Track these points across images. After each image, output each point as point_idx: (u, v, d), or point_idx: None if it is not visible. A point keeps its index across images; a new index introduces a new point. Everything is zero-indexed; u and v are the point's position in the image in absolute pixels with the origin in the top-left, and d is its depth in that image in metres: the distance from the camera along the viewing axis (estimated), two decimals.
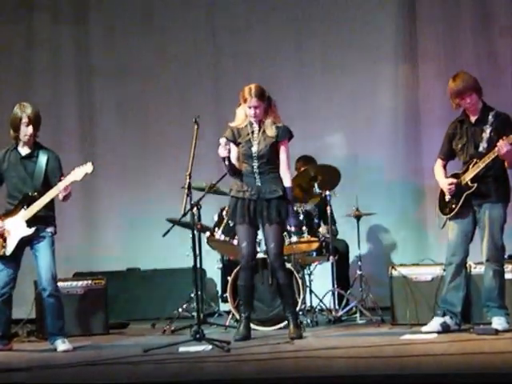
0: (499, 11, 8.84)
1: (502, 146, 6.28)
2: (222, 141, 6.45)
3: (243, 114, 6.65)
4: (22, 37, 9.75)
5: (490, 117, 6.51)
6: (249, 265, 6.63)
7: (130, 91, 9.64)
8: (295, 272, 7.32)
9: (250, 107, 6.57)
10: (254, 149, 6.59)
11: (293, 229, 6.82)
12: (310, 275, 7.74)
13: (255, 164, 6.59)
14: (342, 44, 9.23)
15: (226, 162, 6.49)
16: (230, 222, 7.08)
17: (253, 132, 6.64)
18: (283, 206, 6.55)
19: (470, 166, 6.48)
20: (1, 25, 9.72)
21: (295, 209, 7.37)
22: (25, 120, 6.53)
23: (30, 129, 6.56)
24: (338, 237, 8.18)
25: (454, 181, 6.55)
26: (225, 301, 7.69)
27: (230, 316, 7.52)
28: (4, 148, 6.72)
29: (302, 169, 7.90)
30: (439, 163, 6.78)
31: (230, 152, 6.49)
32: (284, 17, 9.40)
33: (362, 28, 9.17)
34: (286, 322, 6.74)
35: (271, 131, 6.60)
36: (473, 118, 6.58)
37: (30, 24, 9.76)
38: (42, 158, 6.61)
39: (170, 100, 9.57)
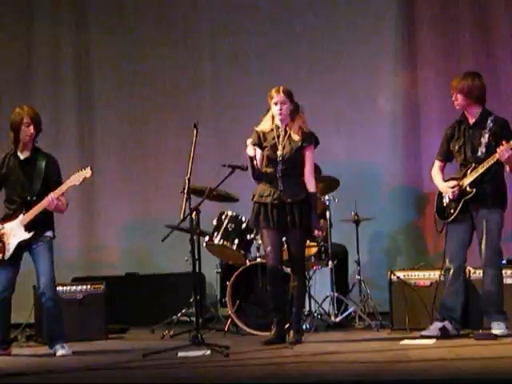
0: (498, 16, 8.84)
1: (503, 151, 6.28)
2: (249, 141, 6.46)
3: (269, 119, 6.66)
4: (21, 42, 9.75)
5: (489, 121, 6.52)
6: (275, 269, 6.59)
7: (129, 96, 9.65)
8: None
9: (275, 103, 6.59)
10: (279, 153, 6.58)
11: (318, 232, 6.76)
12: (309, 280, 7.74)
13: (279, 168, 6.57)
14: (341, 49, 9.23)
15: (255, 162, 6.49)
16: (253, 227, 7.09)
17: (278, 136, 6.63)
18: (306, 210, 6.53)
19: (469, 171, 6.49)
20: (0, 30, 9.73)
21: None
22: (26, 120, 6.54)
23: (31, 129, 6.56)
24: (337, 242, 8.17)
25: (457, 183, 6.54)
26: (224, 306, 7.69)
27: (229, 321, 7.52)
28: (3, 153, 6.72)
29: None
30: (437, 165, 6.78)
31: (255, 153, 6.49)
32: (283, 22, 9.39)
33: (362, 33, 9.17)
34: (288, 325, 6.70)
35: (297, 136, 6.60)
36: (471, 120, 6.59)
37: (29, 30, 9.77)
38: (41, 163, 6.61)
39: (169, 105, 9.58)
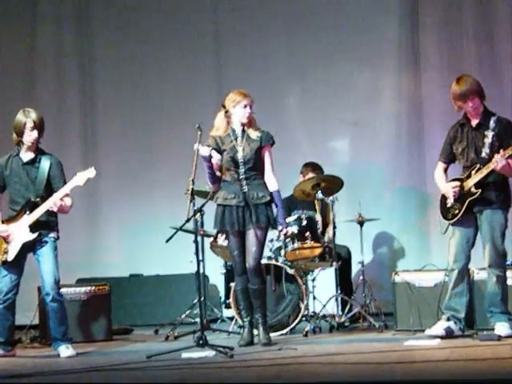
0: (502, 19, 8.83)
1: (498, 161, 6.28)
2: (197, 145, 6.43)
3: (224, 122, 6.71)
4: (25, 45, 9.79)
5: (492, 122, 6.51)
6: (243, 270, 6.66)
7: (132, 98, 9.66)
8: (298, 278, 7.32)
9: (245, 106, 6.64)
10: (240, 154, 6.63)
11: (285, 231, 6.82)
12: (313, 281, 7.74)
13: (241, 170, 6.62)
14: (345, 52, 9.23)
15: (213, 161, 6.50)
16: (216, 229, 7.05)
17: (236, 138, 6.68)
18: (270, 210, 6.61)
19: (473, 172, 6.48)
20: (4, 33, 9.75)
21: (298, 215, 7.41)
22: (30, 125, 6.54)
23: (35, 133, 6.57)
24: (341, 242, 8.16)
25: (459, 183, 6.55)
26: (228, 307, 7.69)
27: (233, 322, 7.52)
28: (6, 154, 6.73)
29: (310, 175, 7.92)
30: (440, 167, 6.79)
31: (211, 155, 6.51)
32: (286, 26, 9.40)
33: (365, 36, 9.17)
34: (255, 327, 6.72)
35: (254, 135, 6.66)
36: (474, 122, 6.59)
37: (33, 32, 9.80)
38: (45, 164, 6.62)
39: (173, 106, 9.58)
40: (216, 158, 6.60)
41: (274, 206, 6.68)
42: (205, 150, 6.49)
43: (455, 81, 6.57)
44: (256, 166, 6.65)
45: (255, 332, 6.73)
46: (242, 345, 6.53)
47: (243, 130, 6.69)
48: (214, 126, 6.76)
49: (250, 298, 6.71)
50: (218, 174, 6.71)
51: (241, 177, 6.62)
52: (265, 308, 6.75)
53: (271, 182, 6.69)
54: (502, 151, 6.30)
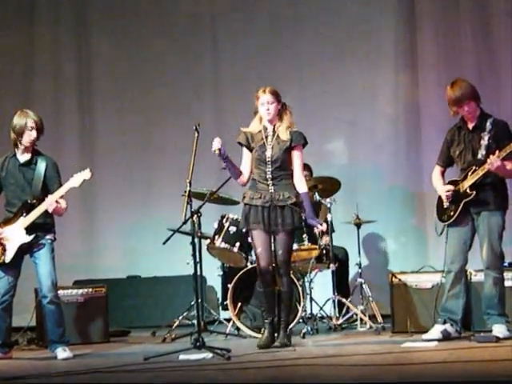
0: (499, 18, 8.83)
1: (493, 162, 6.28)
2: (217, 139, 6.36)
3: (257, 120, 6.64)
4: (22, 46, 9.78)
5: (488, 124, 6.52)
6: (266, 270, 6.57)
7: (130, 99, 9.66)
8: (295, 280, 7.32)
9: (262, 104, 6.56)
10: (268, 153, 6.54)
11: (322, 227, 6.77)
12: (310, 283, 7.74)
13: (269, 169, 6.54)
14: (342, 52, 9.24)
15: (223, 155, 6.36)
16: (242, 229, 6.93)
17: (267, 137, 6.60)
18: (297, 213, 6.50)
19: (469, 174, 6.49)
20: (2, 34, 9.74)
21: None
22: (30, 125, 6.54)
23: (34, 133, 6.57)
24: (338, 244, 8.16)
25: (452, 187, 6.56)
26: (225, 308, 7.68)
27: (231, 324, 7.52)
28: (2, 155, 6.72)
29: None
30: (437, 170, 6.79)
31: (223, 150, 6.38)
32: (283, 25, 9.41)
33: (362, 36, 9.18)
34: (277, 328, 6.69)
35: (285, 135, 6.56)
36: (470, 125, 6.59)
37: (30, 33, 9.80)
38: (41, 165, 6.61)
39: (170, 108, 9.59)
40: (245, 155, 6.57)
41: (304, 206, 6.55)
42: (216, 144, 6.33)
43: (449, 86, 6.56)
44: (284, 166, 6.55)
45: (260, 335, 6.69)
46: (262, 346, 6.43)
47: (274, 129, 6.62)
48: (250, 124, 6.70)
49: (272, 300, 6.63)
50: (247, 171, 6.62)
51: (268, 176, 6.54)
52: (289, 310, 6.69)
53: (300, 182, 6.59)
54: (497, 152, 6.30)
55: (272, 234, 6.56)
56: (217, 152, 6.35)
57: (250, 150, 6.62)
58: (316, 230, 7.16)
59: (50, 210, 6.50)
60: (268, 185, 6.53)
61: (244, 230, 7.02)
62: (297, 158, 6.59)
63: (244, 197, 6.62)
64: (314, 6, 9.35)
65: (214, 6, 9.62)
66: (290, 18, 9.40)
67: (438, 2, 9.06)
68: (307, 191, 6.64)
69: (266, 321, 6.63)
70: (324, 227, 6.84)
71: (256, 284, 6.91)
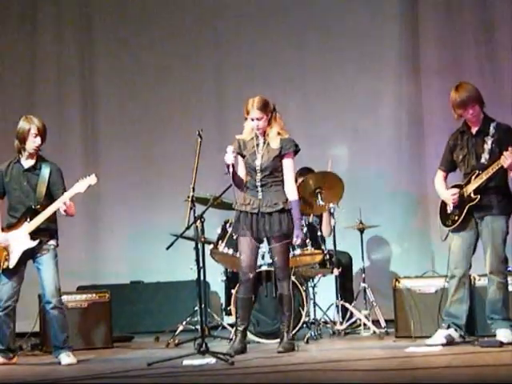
0: (502, 24, 8.84)
1: (507, 157, 6.27)
2: (230, 149, 6.43)
3: (250, 127, 6.65)
4: (26, 53, 9.80)
5: (492, 128, 6.51)
6: (247, 277, 6.60)
7: (133, 105, 9.68)
8: (299, 284, 7.31)
9: (252, 119, 6.57)
10: (258, 162, 6.58)
11: (298, 241, 6.73)
12: (313, 288, 7.73)
13: (258, 177, 6.58)
14: (345, 57, 9.25)
15: (230, 169, 6.43)
16: (233, 234, 7.04)
17: (258, 145, 6.63)
18: (285, 219, 6.53)
19: (473, 178, 6.48)
20: (5, 41, 9.77)
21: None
22: (34, 131, 6.54)
23: (38, 140, 6.57)
24: (342, 249, 8.16)
25: (458, 191, 6.55)
26: (229, 314, 7.68)
27: (234, 329, 7.50)
28: (7, 161, 6.73)
29: (299, 180, 7.83)
30: (440, 175, 6.78)
31: (234, 161, 6.46)
32: (286, 31, 9.44)
33: (365, 41, 9.20)
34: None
35: (276, 143, 6.58)
36: (474, 129, 6.58)
37: (33, 41, 9.82)
38: (45, 171, 6.61)
39: (173, 114, 9.60)
40: (239, 162, 6.58)
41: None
42: (228, 159, 6.38)
43: (454, 88, 6.55)
44: (274, 174, 6.57)
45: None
46: (232, 354, 6.32)
47: (265, 137, 6.63)
48: (243, 130, 6.72)
49: (247, 308, 6.67)
50: (243, 177, 6.65)
51: (257, 183, 6.58)
52: (291, 314, 6.69)
53: (290, 190, 6.59)
54: (510, 148, 6.27)
55: (262, 240, 6.62)
56: (231, 169, 6.40)
57: (243, 157, 6.65)
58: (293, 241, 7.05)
59: (63, 210, 6.49)
60: (257, 191, 6.58)
61: (235, 237, 7.02)
62: (287, 165, 6.60)
63: (236, 202, 6.66)
64: (317, 14, 9.36)
65: (216, 12, 9.62)
66: (292, 25, 9.41)
67: (440, 9, 9.07)
68: (297, 199, 6.63)
69: (239, 328, 6.64)
70: (299, 241, 6.74)
71: (260, 289, 6.92)
